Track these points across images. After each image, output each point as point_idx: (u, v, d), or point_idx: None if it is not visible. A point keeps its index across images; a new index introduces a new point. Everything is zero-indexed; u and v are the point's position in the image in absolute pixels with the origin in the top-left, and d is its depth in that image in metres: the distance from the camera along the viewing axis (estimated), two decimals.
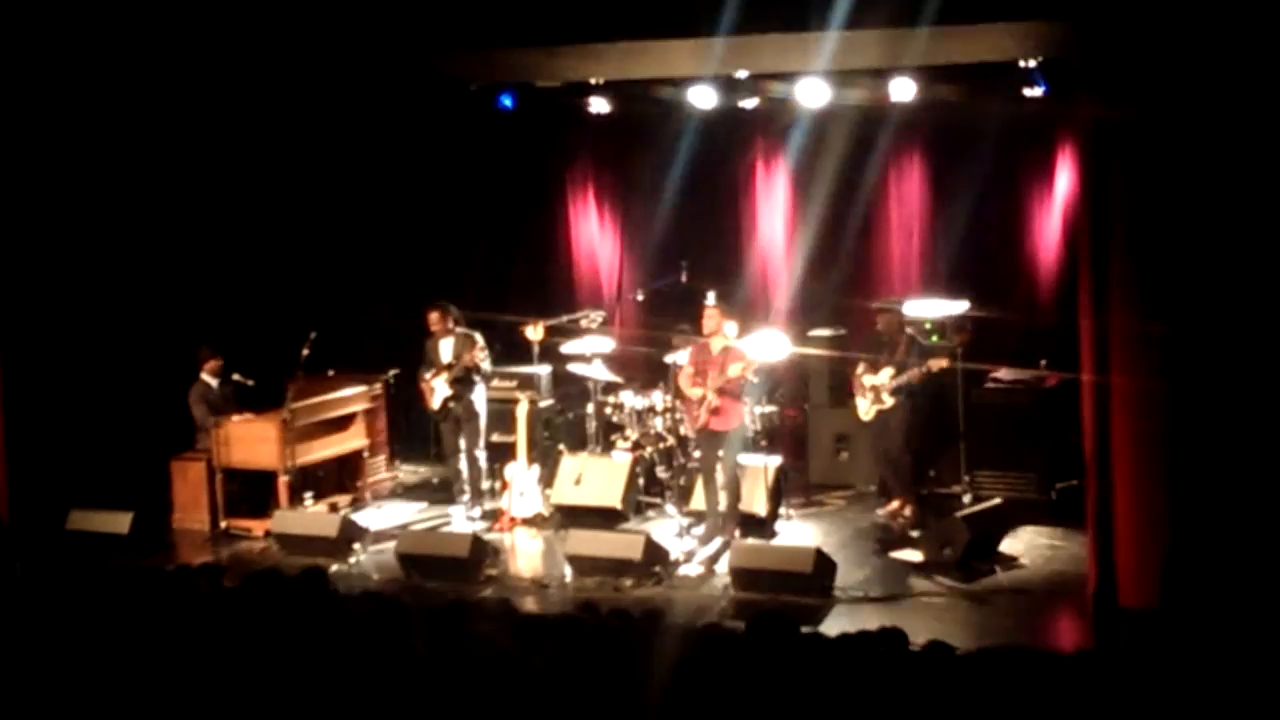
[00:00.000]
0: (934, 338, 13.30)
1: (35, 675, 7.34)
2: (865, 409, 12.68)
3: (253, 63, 12.52)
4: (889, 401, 12.48)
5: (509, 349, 13.85)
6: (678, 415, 13.14)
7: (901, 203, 14.52)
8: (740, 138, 14.97)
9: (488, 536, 12.27)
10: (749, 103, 13.81)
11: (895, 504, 12.74)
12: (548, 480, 13.20)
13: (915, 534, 12.09)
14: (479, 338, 13.18)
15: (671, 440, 13.22)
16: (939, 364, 12.28)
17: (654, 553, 11.33)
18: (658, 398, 13.49)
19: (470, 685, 6.73)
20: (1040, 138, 13.63)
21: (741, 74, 13.09)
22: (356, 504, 13.76)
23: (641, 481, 13.22)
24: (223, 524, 13.11)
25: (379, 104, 14.18)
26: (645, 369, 14.29)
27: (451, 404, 13.21)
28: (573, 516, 12.80)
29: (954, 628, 9.92)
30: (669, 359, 13.11)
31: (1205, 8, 9.18)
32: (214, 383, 13.45)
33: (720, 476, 12.23)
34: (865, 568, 11.54)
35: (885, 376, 12.47)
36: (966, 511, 11.96)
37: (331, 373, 13.99)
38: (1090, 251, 9.89)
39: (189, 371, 13.46)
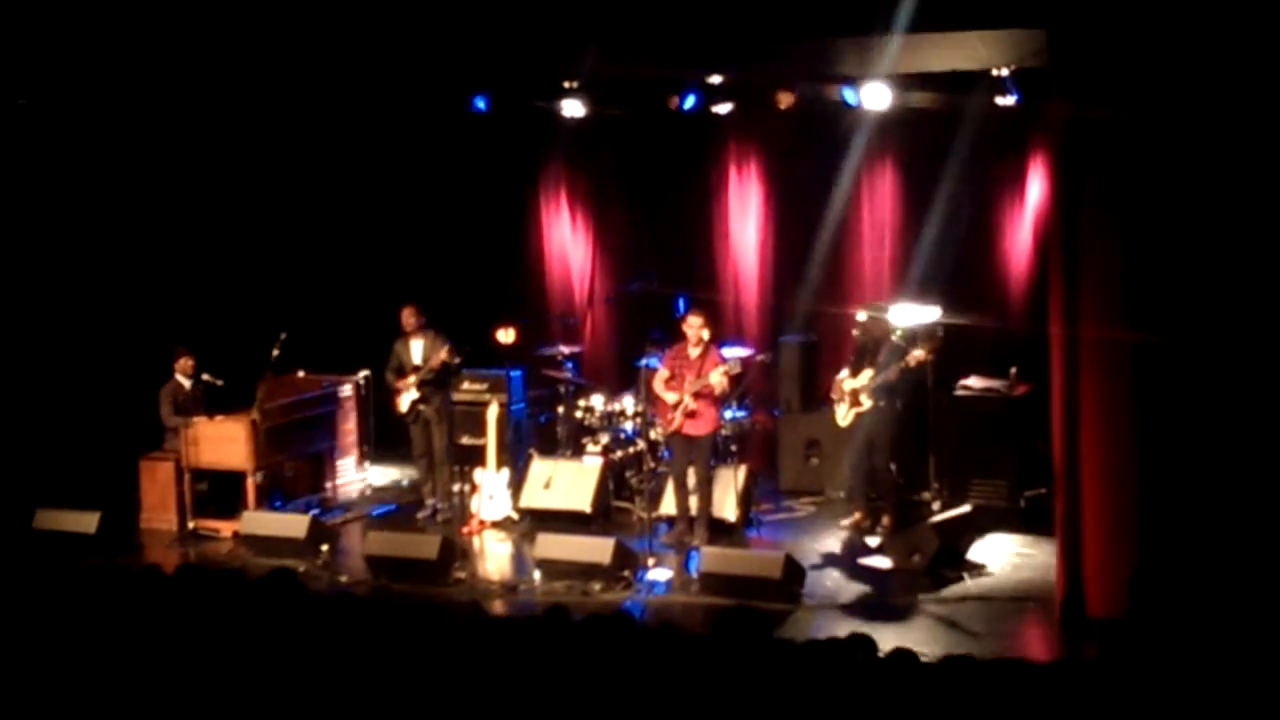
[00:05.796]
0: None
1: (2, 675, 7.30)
2: (844, 414, 12.56)
3: (227, 67, 12.48)
4: (867, 404, 12.38)
5: (480, 352, 13.82)
6: (649, 419, 13.13)
7: (874, 209, 14.49)
8: (714, 143, 14.95)
9: (456, 539, 12.24)
10: (723, 108, 13.81)
11: (858, 515, 12.71)
12: (517, 484, 13.18)
13: (886, 541, 12.09)
14: (447, 339, 13.14)
15: (642, 444, 13.20)
16: (917, 357, 12.13)
17: (623, 557, 11.32)
18: (628, 402, 13.48)
19: (438, 687, 6.72)
20: (1012, 146, 13.63)
21: (716, 79, 13.09)
22: (325, 505, 13.71)
23: (611, 486, 13.21)
24: (190, 524, 13.04)
25: (354, 107, 14.13)
26: (616, 373, 14.27)
27: (420, 406, 13.19)
28: (542, 520, 12.78)
29: (922, 635, 9.95)
30: (640, 363, 13.10)
31: (1177, 14, 9.21)
32: (186, 383, 13.35)
33: (691, 481, 12.24)
34: (834, 574, 11.55)
35: (865, 378, 12.36)
36: (936, 519, 11.98)
37: (301, 373, 14.01)
38: (1061, 260, 9.92)
39: (159, 371, 13.37)
